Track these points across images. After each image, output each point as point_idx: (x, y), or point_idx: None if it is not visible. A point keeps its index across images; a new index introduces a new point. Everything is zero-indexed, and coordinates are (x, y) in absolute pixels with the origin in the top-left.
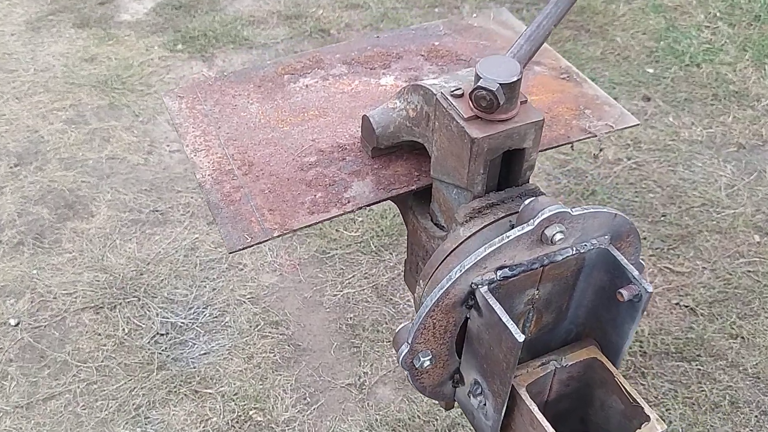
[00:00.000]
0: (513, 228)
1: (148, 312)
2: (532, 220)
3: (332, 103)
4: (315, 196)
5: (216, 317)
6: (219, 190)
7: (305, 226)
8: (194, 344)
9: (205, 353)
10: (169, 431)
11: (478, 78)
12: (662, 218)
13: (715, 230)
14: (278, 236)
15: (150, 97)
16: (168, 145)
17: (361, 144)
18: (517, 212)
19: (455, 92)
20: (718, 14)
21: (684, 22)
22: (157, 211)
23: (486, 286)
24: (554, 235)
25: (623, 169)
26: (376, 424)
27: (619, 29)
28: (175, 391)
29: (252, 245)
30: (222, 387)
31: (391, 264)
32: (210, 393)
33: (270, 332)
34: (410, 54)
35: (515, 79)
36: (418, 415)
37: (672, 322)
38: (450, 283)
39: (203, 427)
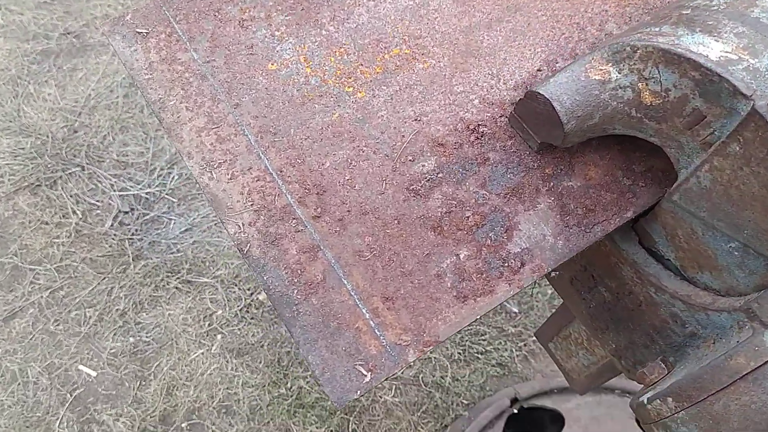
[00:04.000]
0: None
1: (99, 184)
2: None
3: (430, 26)
4: (457, 255)
5: (187, 177)
6: (280, 261)
7: (458, 331)
8: (170, 220)
9: (186, 230)
10: (169, 336)
11: None
12: None
13: None
14: (414, 359)
15: None
16: None
17: (510, 120)
18: None
19: None
20: None
21: None
22: (69, 33)
23: None
24: None
25: None
26: None
27: None
28: (163, 286)
29: (372, 386)
30: (218, 271)
31: None
32: (206, 282)
33: None
34: None
35: None
36: None
37: None
38: None
39: (209, 324)
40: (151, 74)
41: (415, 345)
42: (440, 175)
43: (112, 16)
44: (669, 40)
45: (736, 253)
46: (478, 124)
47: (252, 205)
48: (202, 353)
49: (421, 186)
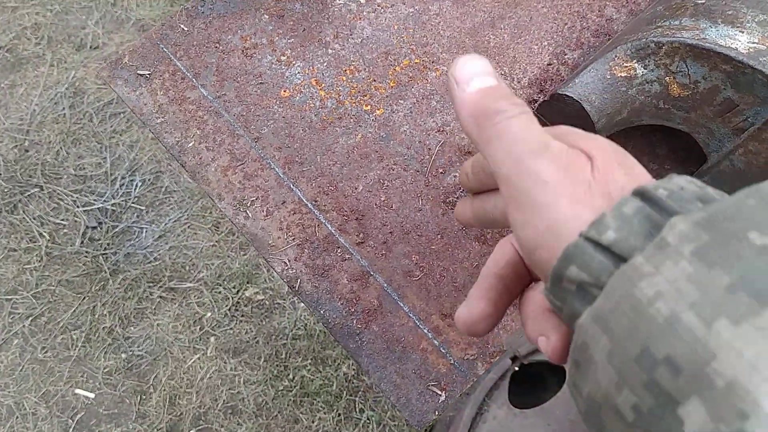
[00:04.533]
0: None
1: (61, 202)
2: None
3: (435, 31)
4: None
5: (151, 183)
6: (333, 292)
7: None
8: (141, 229)
9: (160, 236)
10: (162, 347)
11: None
12: None
13: None
14: (483, 371)
15: None
16: None
17: None
18: None
19: None
20: None
21: None
22: None
23: None
24: None
25: None
26: None
27: None
28: (147, 297)
29: (449, 404)
30: (200, 273)
31: None
32: (189, 286)
33: None
34: None
35: None
36: None
37: None
38: None
39: (200, 328)
40: (163, 117)
41: (482, 357)
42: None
43: (43, 24)
44: (694, 35)
45: None
46: None
47: (294, 239)
48: (198, 358)
49: (457, 197)
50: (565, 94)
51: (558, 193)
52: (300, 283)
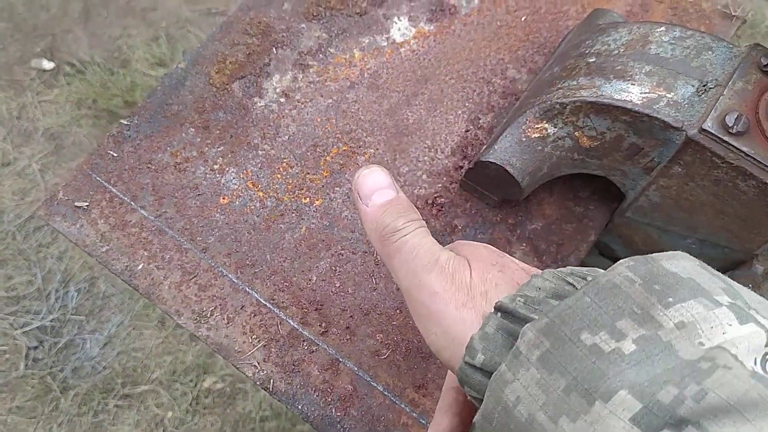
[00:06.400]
0: None
1: None
2: None
3: (356, 117)
4: None
5: (87, 290)
6: (307, 386)
7: None
8: (84, 340)
9: (106, 344)
10: None
11: None
12: None
13: None
14: None
15: None
16: None
17: (461, 186)
18: None
19: (735, 128)
20: None
21: None
22: None
23: None
24: None
25: None
26: None
27: None
28: (102, 409)
29: None
30: (153, 374)
31: None
32: (145, 389)
33: None
34: None
35: None
36: None
37: None
38: None
39: (162, 430)
40: (107, 245)
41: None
42: None
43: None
44: (592, 93)
45: (693, 246)
46: (435, 197)
47: (259, 341)
48: None
49: None
50: (488, 161)
51: (447, 301)
52: (273, 383)
